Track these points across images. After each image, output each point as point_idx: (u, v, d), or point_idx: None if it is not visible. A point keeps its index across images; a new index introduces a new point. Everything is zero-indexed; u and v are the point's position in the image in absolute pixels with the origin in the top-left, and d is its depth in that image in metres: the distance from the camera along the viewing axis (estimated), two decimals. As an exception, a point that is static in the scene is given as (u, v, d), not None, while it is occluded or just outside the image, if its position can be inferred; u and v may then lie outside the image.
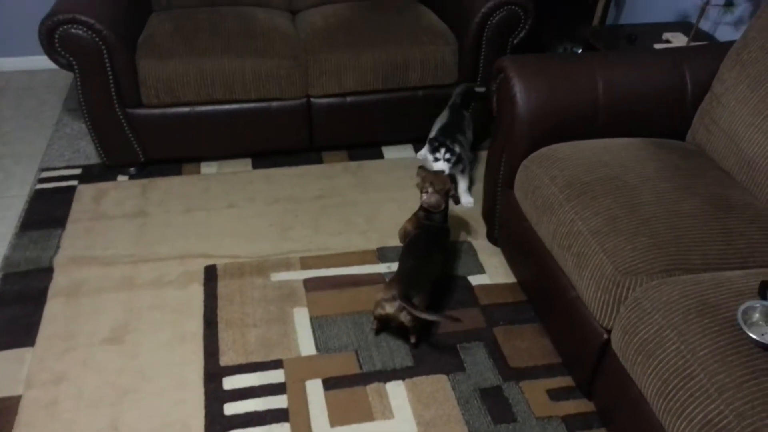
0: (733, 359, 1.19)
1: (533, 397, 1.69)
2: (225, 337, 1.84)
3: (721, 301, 1.30)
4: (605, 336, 1.51)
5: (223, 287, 2.00)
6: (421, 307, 1.70)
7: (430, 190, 1.92)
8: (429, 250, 1.86)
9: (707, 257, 1.45)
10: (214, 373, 1.74)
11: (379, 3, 2.63)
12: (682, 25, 2.46)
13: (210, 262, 2.09)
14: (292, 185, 2.44)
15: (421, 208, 1.95)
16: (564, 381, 1.74)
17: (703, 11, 2.20)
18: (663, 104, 1.86)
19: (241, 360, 1.77)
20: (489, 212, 2.11)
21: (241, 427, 1.60)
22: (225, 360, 1.77)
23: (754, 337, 1.19)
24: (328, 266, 2.09)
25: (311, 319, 1.90)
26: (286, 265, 2.08)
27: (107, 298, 1.94)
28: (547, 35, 2.73)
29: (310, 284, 2.02)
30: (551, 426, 1.62)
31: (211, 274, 2.04)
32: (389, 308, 1.71)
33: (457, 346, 1.83)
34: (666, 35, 2.33)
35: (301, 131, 2.47)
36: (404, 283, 1.73)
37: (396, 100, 2.46)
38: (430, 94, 2.48)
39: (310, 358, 1.79)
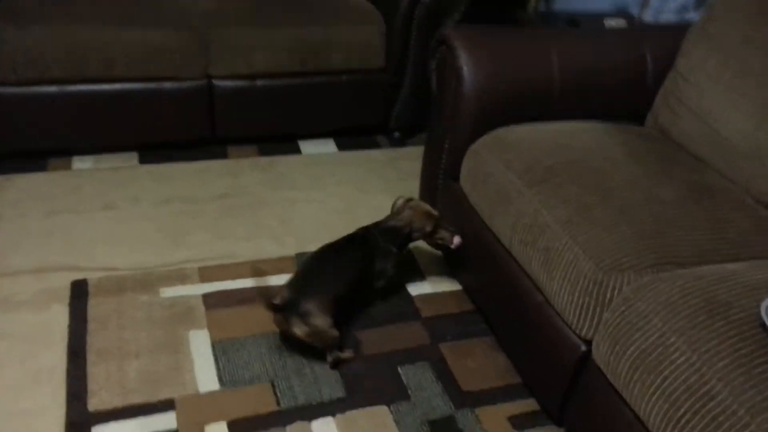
0: (761, 371, 0.94)
1: (493, 426, 1.39)
2: (96, 372, 1.40)
3: (732, 299, 1.06)
4: (583, 348, 1.23)
5: (95, 307, 1.55)
6: (314, 318, 1.37)
7: (448, 232, 1.61)
8: (353, 259, 1.53)
9: (698, 248, 1.22)
10: (79, 421, 1.30)
11: (293, -21, 2.30)
12: (622, 13, 2.33)
13: (78, 275, 1.63)
14: (190, 183, 2.03)
15: (388, 224, 1.60)
16: (527, 405, 1.45)
17: (646, -4, 2.07)
18: (622, 84, 1.65)
19: (117, 402, 1.34)
20: (427, 210, 1.81)
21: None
22: (95, 403, 1.33)
23: (785, 340, 0.95)
24: (234, 277, 1.70)
25: (213, 344, 1.50)
26: (179, 277, 1.67)
27: (-69, 326, 1.45)
28: (481, 22, 2.51)
29: (212, 300, 1.62)
30: (517, 463, 1.32)
31: (79, 291, 1.59)
32: (275, 319, 1.41)
33: (398, 368, 1.50)
34: (608, 21, 2.17)
35: (201, 119, 2.07)
36: (293, 288, 1.42)
37: (316, 85, 2.13)
38: (354, 80, 2.17)
39: (211, 394, 1.39)
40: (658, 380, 1.03)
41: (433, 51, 1.66)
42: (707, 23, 1.56)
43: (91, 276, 1.63)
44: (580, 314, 1.22)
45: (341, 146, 2.33)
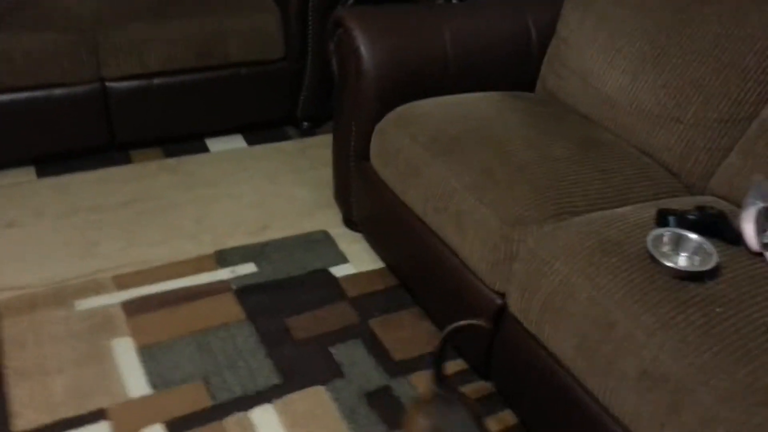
0: (653, 296, 1.05)
1: (427, 390, 1.45)
2: (18, 393, 1.34)
3: (622, 238, 1.17)
4: (499, 301, 1.31)
5: (8, 328, 1.48)
6: None
7: None
8: None
9: (589, 197, 1.33)
10: (3, 445, 1.24)
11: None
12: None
13: (-15, 298, 1.55)
14: (93, 192, 1.96)
15: None
16: (457, 365, 1.52)
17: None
18: (510, 54, 1.75)
19: (46, 419, 1.29)
20: (342, 193, 1.84)
21: None
22: (21, 423, 1.28)
23: (669, 265, 1.06)
24: (152, 282, 1.66)
25: (139, 350, 1.47)
26: (94, 288, 1.62)
27: None
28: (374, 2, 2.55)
29: (132, 307, 1.58)
30: (452, 419, 1.39)
31: (-13, 315, 1.51)
32: None
33: (330, 349, 1.53)
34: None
35: (98, 125, 2.00)
36: None
37: (216, 80, 2.10)
38: (255, 72, 2.15)
39: (143, 399, 1.36)
40: (566, 318, 1.12)
41: (331, 33, 1.68)
42: (581, -9, 1.68)
43: (0, 297, 1.55)
44: (492, 269, 1.29)
45: (250, 141, 2.31)
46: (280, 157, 2.25)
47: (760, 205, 1.16)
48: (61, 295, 1.58)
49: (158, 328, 1.54)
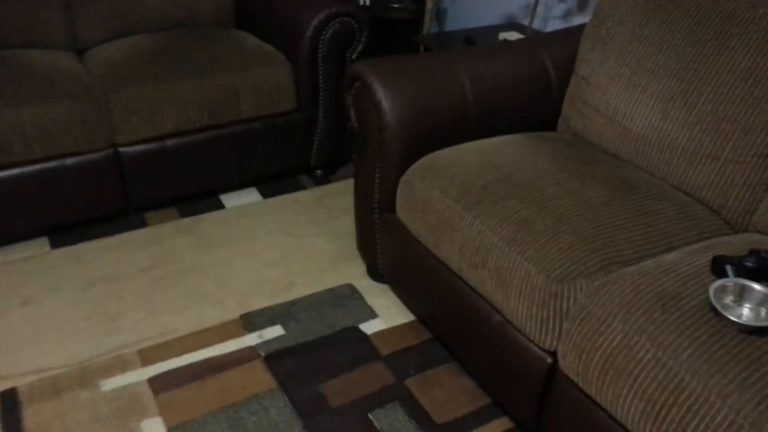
0: (722, 354, 0.99)
1: (474, 454, 1.38)
2: (46, 489, 1.27)
3: (680, 290, 1.11)
4: (549, 360, 1.25)
5: (32, 416, 1.41)
6: None
7: None
8: None
9: (635, 244, 1.28)
10: None
11: (188, 31, 2.23)
12: (512, 26, 2.42)
13: (5, 385, 1.48)
14: (111, 260, 1.91)
15: None
16: (502, 424, 1.45)
17: (536, 6, 2.16)
18: (530, 94, 1.71)
19: None
20: (367, 245, 1.79)
21: None
22: None
23: (735, 320, 1.01)
24: (179, 354, 1.60)
25: (169, 430, 1.40)
26: (119, 365, 1.56)
27: None
28: (381, 50, 2.54)
29: (160, 383, 1.52)
30: (506, 485, 1.32)
31: (10, 402, 1.44)
32: None
33: (369, 415, 1.46)
34: (502, 35, 2.25)
35: (112, 191, 1.95)
36: None
37: (229, 136, 2.07)
38: (268, 125, 2.12)
39: (179, 484, 1.29)
40: (629, 381, 1.06)
41: (348, 87, 1.65)
42: (598, 27, 1.65)
43: (21, 382, 1.49)
44: (540, 327, 1.23)
45: (265, 194, 2.27)
46: (296, 209, 2.20)
47: (819, 245, 1.11)
48: (85, 376, 1.52)
49: (188, 404, 1.47)
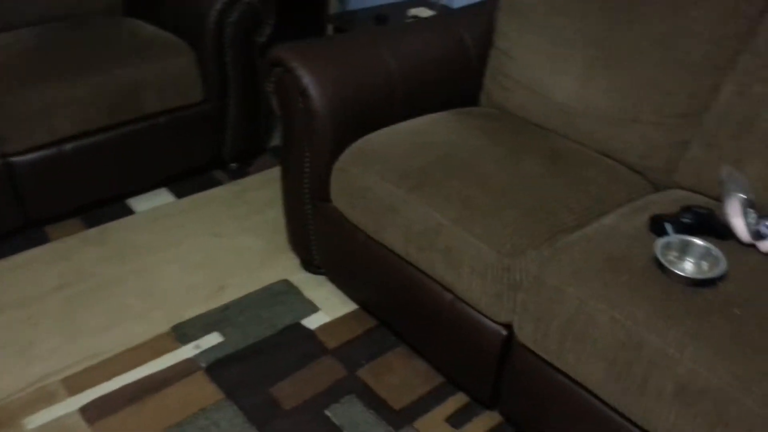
0: (674, 309, 1.04)
1: (437, 435, 1.38)
2: None
3: (625, 252, 1.15)
4: (504, 333, 1.26)
5: (-55, 471, 1.24)
6: None
7: None
8: None
9: (574, 212, 1.31)
10: None
11: (75, 22, 2.02)
12: (420, 1, 2.41)
13: None
14: (15, 282, 1.71)
15: None
16: (459, 400, 1.46)
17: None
18: (452, 71, 1.71)
19: None
20: (300, 237, 1.72)
21: None
22: None
23: (683, 274, 1.06)
24: (109, 377, 1.47)
25: (113, 459, 1.29)
26: (44, 398, 1.40)
27: None
28: (289, 33, 2.44)
29: (93, 412, 1.39)
30: (472, 461, 1.33)
31: None
32: None
33: (326, 412, 1.42)
34: (411, 11, 2.23)
35: (7, 205, 1.74)
36: None
37: (133, 135, 1.90)
38: (174, 119, 1.98)
39: None
40: (589, 344, 1.09)
41: (268, 73, 1.56)
42: (514, 1, 1.66)
43: (-75, 435, 1.30)
44: (495, 302, 1.24)
45: (178, 193, 2.13)
46: (215, 206, 2.08)
47: (742, 197, 1.18)
48: (6, 415, 1.35)
49: (127, 429, 1.35)
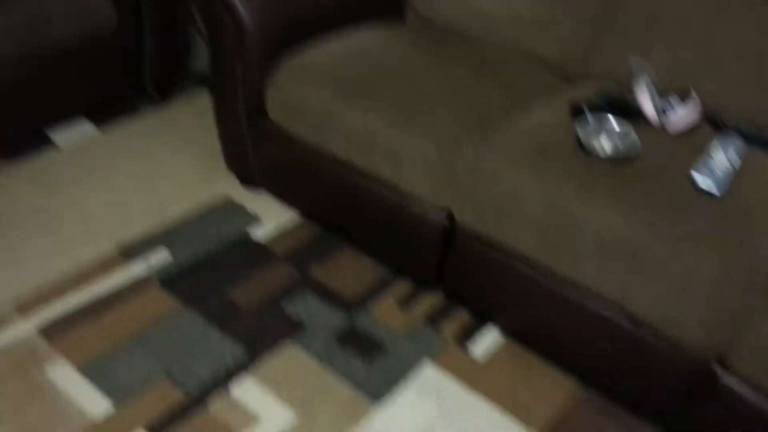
0: (596, 181, 1.21)
1: (387, 315, 1.53)
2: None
3: (551, 137, 1.31)
4: (446, 220, 1.41)
5: None
6: None
7: None
8: None
9: (503, 108, 1.45)
10: None
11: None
12: None
13: None
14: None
15: None
16: (405, 287, 1.61)
17: None
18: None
19: (8, 475, 1.15)
20: (237, 155, 1.77)
21: None
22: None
23: (600, 152, 1.23)
24: (62, 298, 1.49)
25: (80, 370, 1.34)
26: (-2, 321, 1.41)
27: None
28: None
29: (51, 330, 1.41)
30: (420, 333, 1.49)
31: None
32: None
33: (284, 308, 1.52)
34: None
35: None
36: None
37: (44, 64, 1.82)
38: (89, 46, 1.91)
39: (110, 418, 1.26)
40: (524, 218, 1.25)
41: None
42: None
43: None
44: (438, 194, 1.37)
45: (100, 123, 2.08)
46: (142, 134, 2.06)
47: (648, 81, 1.37)
48: (-39, 340, 1.36)
49: (91, 343, 1.40)
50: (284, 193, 1.76)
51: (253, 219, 1.78)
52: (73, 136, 2.02)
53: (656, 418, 1.33)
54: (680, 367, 1.18)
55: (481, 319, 1.54)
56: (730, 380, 1.13)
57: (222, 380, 1.35)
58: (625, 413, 1.36)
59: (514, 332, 1.48)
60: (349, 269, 1.65)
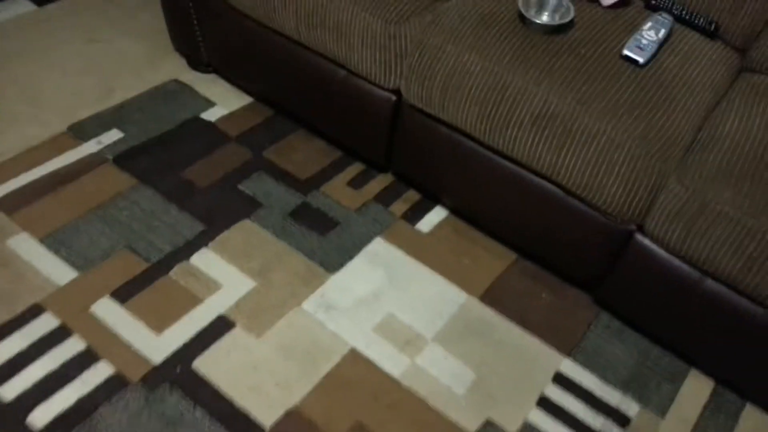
0: (533, 53, 1.27)
1: (339, 195, 1.60)
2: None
3: (494, 10, 1.35)
4: (393, 98, 1.46)
5: None
6: None
7: None
8: None
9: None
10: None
11: None
12: None
13: None
14: None
15: None
16: (357, 168, 1.68)
17: None
18: None
19: (-21, 333, 1.21)
20: (184, 36, 1.74)
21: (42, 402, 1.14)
22: (-48, 348, 1.19)
23: (540, 23, 1.28)
24: (15, 175, 1.50)
25: (41, 241, 1.38)
26: (-49, 196, 1.42)
27: None
28: None
29: (8, 204, 1.44)
30: (370, 211, 1.58)
31: None
32: None
33: (239, 186, 1.58)
34: None
35: None
36: None
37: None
38: None
39: (74, 283, 1.32)
40: (465, 92, 1.31)
41: None
42: None
43: None
44: (384, 70, 1.41)
45: (38, 0, 1.99)
46: (83, 11, 1.98)
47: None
48: None
49: (50, 216, 1.43)
50: (235, 76, 1.76)
51: (204, 101, 1.78)
52: (7, 13, 1.93)
53: (581, 282, 1.48)
54: (604, 232, 1.31)
55: (429, 198, 1.63)
56: (645, 242, 1.27)
57: (183, 252, 1.42)
58: (554, 278, 1.51)
59: (458, 209, 1.58)
60: (302, 151, 1.70)
